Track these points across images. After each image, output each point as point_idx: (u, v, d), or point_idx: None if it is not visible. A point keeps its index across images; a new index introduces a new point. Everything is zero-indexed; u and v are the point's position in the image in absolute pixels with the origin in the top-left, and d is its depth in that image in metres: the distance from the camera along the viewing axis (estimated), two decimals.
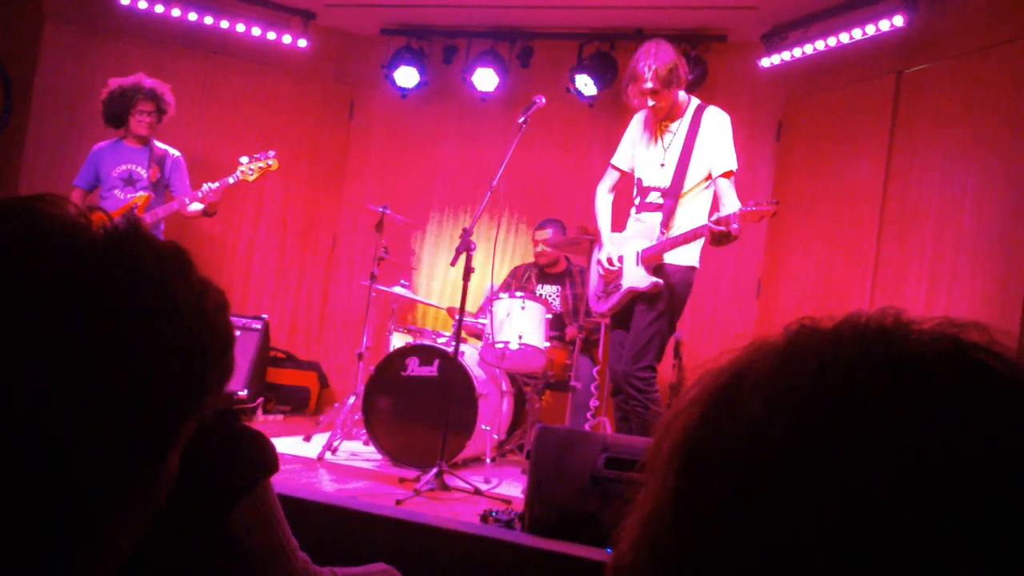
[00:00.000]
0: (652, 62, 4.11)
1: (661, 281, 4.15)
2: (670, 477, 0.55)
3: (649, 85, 4.12)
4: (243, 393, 6.07)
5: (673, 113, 4.30)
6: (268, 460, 1.52)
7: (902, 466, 0.47)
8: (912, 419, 0.48)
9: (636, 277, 4.22)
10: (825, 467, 0.48)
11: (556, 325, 5.65)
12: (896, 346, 0.52)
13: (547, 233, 6.14)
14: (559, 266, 6.25)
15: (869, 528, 0.47)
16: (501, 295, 5.31)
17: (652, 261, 4.19)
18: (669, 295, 4.17)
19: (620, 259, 4.31)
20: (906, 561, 0.46)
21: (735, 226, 3.78)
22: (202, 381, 0.84)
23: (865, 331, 0.54)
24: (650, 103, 4.18)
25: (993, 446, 0.47)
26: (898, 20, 5.30)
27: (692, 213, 4.18)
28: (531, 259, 6.49)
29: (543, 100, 4.63)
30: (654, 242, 4.17)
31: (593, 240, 4.77)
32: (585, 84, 6.50)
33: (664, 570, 0.54)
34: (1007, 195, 4.65)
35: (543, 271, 6.27)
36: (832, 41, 5.71)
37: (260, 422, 6.18)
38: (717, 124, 4.22)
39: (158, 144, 5.88)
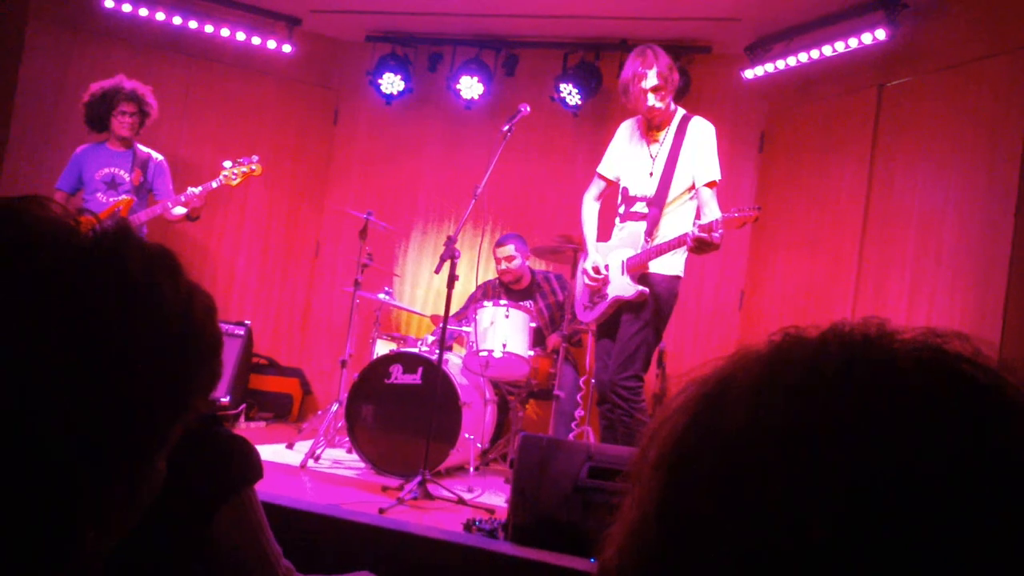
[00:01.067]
0: (653, 61, 4.15)
1: (647, 290, 4.16)
2: (656, 485, 0.55)
3: (654, 82, 4.15)
4: (225, 399, 6.04)
5: (661, 122, 4.33)
6: (253, 467, 1.52)
7: (894, 488, 0.47)
8: (902, 438, 0.48)
9: (622, 286, 4.23)
10: (813, 484, 0.48)
11: (536, 339, 5.61)
12: (880, 358, 0.52)
13: (509, 249, 6.00)
14: (523, 282, 6.12)
15: (861, 547, 0.46)
16: (485, 303, 5.31)
17: (637, 270, 4.20)
18: (655, 304, 4.18)
19: (606, 268, 4.32)
20: None
21: (717, 233, 3.80)
22: (189, 384, 0.83)
23: (850, 341, 0.54)
24: (651, 102, 4.19)
25: (986, 464, 0.47)
26: (880, 34, 5.34)
27: (676, 222, 4.19)
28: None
29: (528, 108, 4.64)
30: (639, 251, 4.18)
31: (577, 249, 4.78)
32: (569, 93, 6.52)
33: None
34: (987, 206, 4.70)
35: (510, 289, 6.13)
36: (815, 54, 5.75)
37: (242, 429, 6.14)
38: (703, 134, 4.25)
39: (141, 148, 5.86)
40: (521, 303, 5.61)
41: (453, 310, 5.32)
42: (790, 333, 0.56)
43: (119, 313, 0.76)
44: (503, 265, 6.06)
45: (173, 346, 0.80)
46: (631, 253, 4.21)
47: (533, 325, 5.29)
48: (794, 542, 0.48)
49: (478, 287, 6.21)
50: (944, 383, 0.51)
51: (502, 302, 5.29)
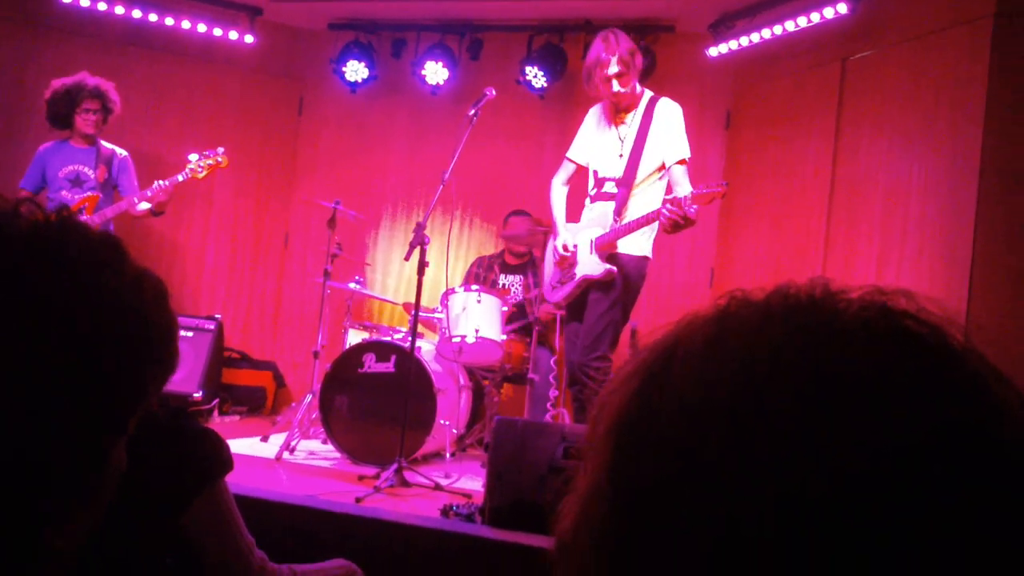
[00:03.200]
0: (615, 47, 4.15)
1: (615, 268, 4.18)
2: (607, 455, 0.55)
3: (616, 69, 4.16)
4: (198, 395, 5.99)
5: (628, 105, 4.34)
6: (222, 459, 1.52)
7: (846, 458, 0.46)
8: (849, 404, 0.48)
9: (590, 265, 4.24)
10: (761, 456, 0.48)
11: (520, 314, 5.64)
12: (824, 320, 0.52)
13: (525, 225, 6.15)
14: (526, 256, 6.27)
15: (813, 518, 0.46)
16: (457, 289, 5.31)
17: (606, 249, 4.22)
18: (623, 284, 4.21)
19: (575, 247, 4.34)
20: (846, 559, 0.46)
21: (692, 208, 3.82)
22: (142, 372, 0.82)
23: (795, 304, 0.53)
24: (615, 88, 4.20)
25: (935, 429, 0.47)
26: (842, 8, 5.37)
27: (645, 202, 4.22)
28: (492, 251, 6.52)
29: (493, 92, 4.63)
30: (607, 230, 4.20)
31: (547, 232, 4.79)
32: (535, 76, 6.50)
33: (604, 548, 0.54)
34: (951, 176, 4.74)
35: (506, 261, 6.27)
36: (778, 29, 5.77)
37: (216, 423, 6.11)
38: (670, 115, 4.28)
39: (105, 144, 5.79)
40: (501, 285, 5.63)
41: (454, 283, 5.35)
42: (736, 296, 0.55)
43: (58, 300, 0.75)
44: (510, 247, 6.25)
45: (121, 333, 0.79)
46: (600, 232, 4.23)
47: (505, 309, 5.30)
48: (746, 524, 0.47)
49: (475, 261, 6.43)
50: (889, 343, 0.51)
51: (473, 287, 5.29)
